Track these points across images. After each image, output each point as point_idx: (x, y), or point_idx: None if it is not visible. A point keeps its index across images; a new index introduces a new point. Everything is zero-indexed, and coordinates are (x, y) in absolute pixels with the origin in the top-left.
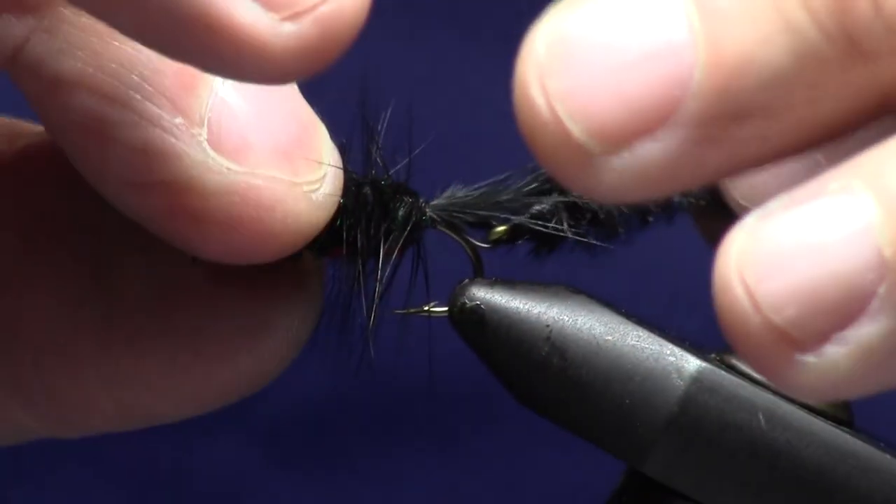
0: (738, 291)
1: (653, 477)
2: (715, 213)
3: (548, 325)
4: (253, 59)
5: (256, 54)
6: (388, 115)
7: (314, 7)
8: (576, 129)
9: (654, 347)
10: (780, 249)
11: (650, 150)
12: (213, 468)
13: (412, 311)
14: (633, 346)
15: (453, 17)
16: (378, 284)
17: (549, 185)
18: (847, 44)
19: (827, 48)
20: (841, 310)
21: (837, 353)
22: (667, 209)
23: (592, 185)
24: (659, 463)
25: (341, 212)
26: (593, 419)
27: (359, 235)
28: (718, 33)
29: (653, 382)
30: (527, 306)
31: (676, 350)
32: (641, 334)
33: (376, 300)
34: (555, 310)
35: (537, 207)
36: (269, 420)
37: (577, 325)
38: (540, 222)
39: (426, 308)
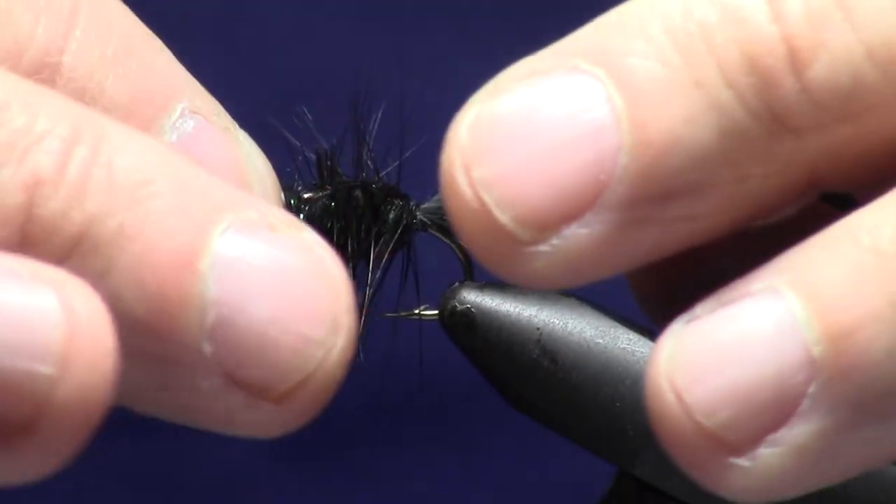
0: (669, 397)
1: (643, 479)
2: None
3: (538, 328)
4: (250, 432)
5: (251, 431)
6: (379, 117)
7: (292, 390)
8: (503, 217)
9: (644, 351)
10: (708, 353)
11: (578, 236)
12: (218, 467)
13: (403, 314)
14: (623, 349)
15: (445, 19)
16: (368, 287)
17: None
18: (773, 121)
19: (753, 125)
20: (772, 412)
21: (771, 455)
22: None
23: (522, 272)
24: (650, 465)
25: (332, 214)
26: (584, 422)
27: (349, 238)
28: (642, 115)
29: (643, 385)
30: (517, 309)
31: None
32: (632, 337)
33: (367, 303)
34: (545, 313)
35: None
36: None
37: (568, 328)
38: None
39: (417, 311)
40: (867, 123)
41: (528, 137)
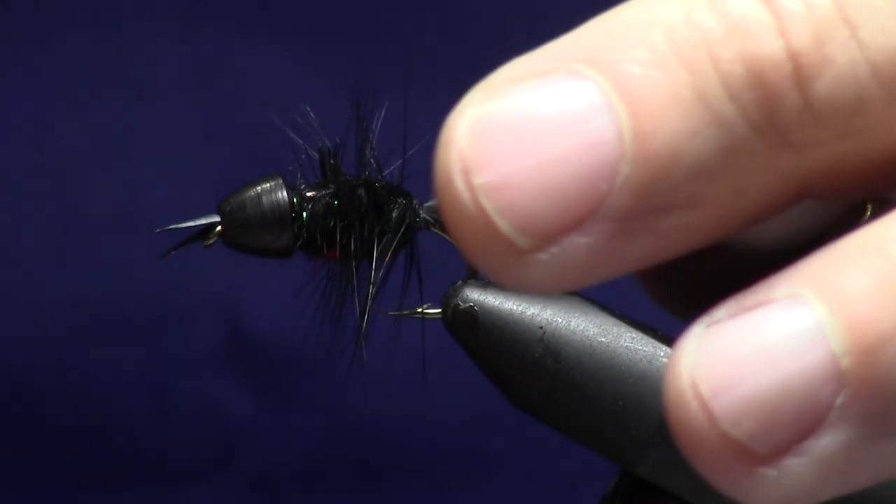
0: (693, 405)
1: (646, 478)
2: None
3: (541, 327)
4: None
5: None
6: (383, 115)
7: None
8: (503, 225)
9: (647, 349)
10: (733, 361)
11: (577, 245)
12: None
13: (406, 312)
14: (626, 347)
15: (447, 19)
16: (371, 286)
17: None
18: (774, 135)
19: (754, 140)
20: (800, 422)
21: (797, 465)
22: None
23: (520, 279)
24: (652, 464)
25: (335, 213)
26: (587, 421)
27: (352, 237)
28: (645, 126)
29: (646, 384)
30: (520, 308)
31: (670, 351)
32: (635, 336)
33: (370, 302)
34: (548, 311)
35: None
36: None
37: (571, 327)
38: None
39: (419, 310)
40: (868, 139)
41: (529, 144)
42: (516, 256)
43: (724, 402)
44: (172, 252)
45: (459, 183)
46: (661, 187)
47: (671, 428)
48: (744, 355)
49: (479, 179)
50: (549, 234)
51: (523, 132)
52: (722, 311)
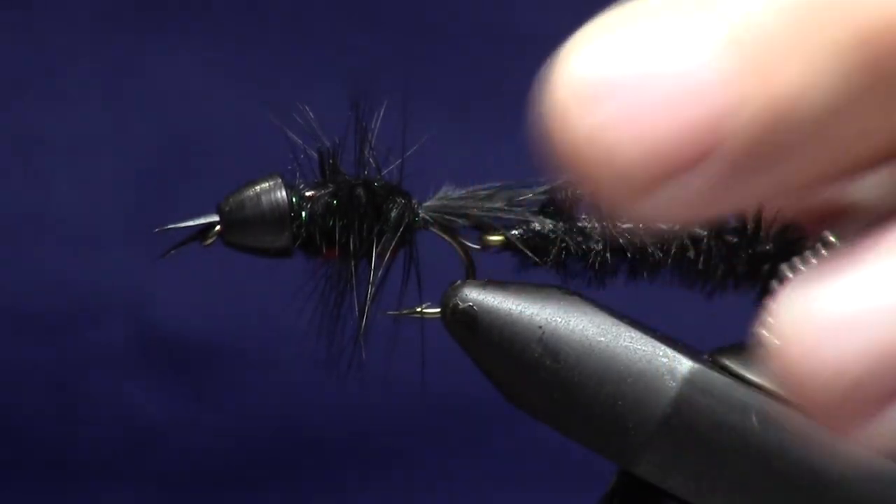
0: (805, 357)
1: (645, 478)
2: None
3: (540, 327)
4: None
5: None
6: (381, 115)
7: None
8: (621, 161)
9: (646, 348)
10: (844, 313)
11: (694, 182)
12: None
13: (405, 312)
14: (625, 347)
15: (447, 20)
16: (370, 286)
17: (550, 208)
18: (893, 84)
19: (873, 92)
20: None
21: None
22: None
23: (635, 211)
24: (651, 464)
25: (334, 212)
26: (585, 420)
27: (351, 236)
28: (765, 69)
29: (645, 383)
30: (519, 307)
31: (669, 351)
32: (634, 335)
33: (368, 301)
34: (547, 311)
35: (536, 227)
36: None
37: (570, 327)
38: (527, 251)
39: (418, 309)
40: None
41: (651, 82)
42: (632, 191)
43: (834, 353)
44: (172, 252)
45: (577, 117)
46: (780, 129)
47: (780, 376)
48: (854, 307)
49: (597, 115)
50: (666, 172)
51: (645, 70)
52: (827, 267)
